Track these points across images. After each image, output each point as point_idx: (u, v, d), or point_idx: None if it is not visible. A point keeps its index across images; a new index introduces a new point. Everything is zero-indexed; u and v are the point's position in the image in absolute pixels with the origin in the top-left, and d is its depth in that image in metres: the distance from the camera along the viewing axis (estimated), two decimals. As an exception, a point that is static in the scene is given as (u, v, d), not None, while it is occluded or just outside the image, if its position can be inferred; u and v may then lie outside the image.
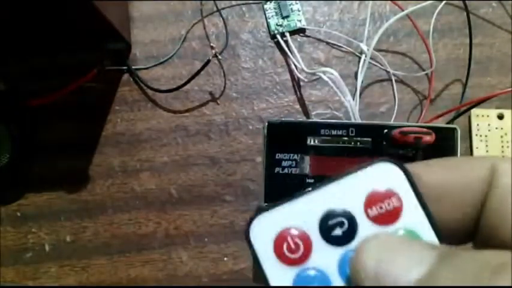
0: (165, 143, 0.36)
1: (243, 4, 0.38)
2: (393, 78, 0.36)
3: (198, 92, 0.36)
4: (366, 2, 0.37)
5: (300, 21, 0.37)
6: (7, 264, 0.34)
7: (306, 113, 0.36)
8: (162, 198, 0.35)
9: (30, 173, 0.35)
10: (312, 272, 0.13)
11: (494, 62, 0.36)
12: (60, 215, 0.35)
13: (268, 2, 0.37)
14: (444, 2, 0.36)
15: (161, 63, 0.37)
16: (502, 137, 0.34)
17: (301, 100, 0.36)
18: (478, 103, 0.32)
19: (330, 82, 0.32)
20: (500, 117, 0.35)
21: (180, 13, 0.38)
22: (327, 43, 0.37)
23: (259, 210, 0.13)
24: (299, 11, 0.37)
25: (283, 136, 0.27)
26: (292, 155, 0.27)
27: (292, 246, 0.13)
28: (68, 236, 0.34)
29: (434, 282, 0.10)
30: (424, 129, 0.27)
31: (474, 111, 0.35)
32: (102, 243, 0.34)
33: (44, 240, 0.34)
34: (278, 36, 0.36)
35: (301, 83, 0.36)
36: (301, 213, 0.13)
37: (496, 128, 0.35)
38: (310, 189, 0.13)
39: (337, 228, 0.13)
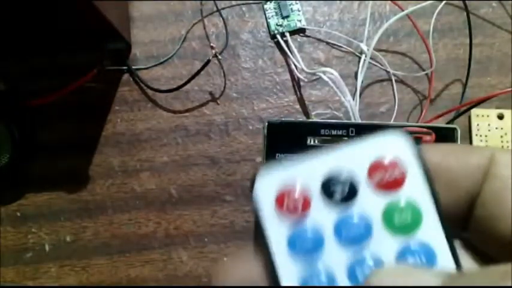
0: (165, 143, 0.36)
1: (243, 4, 0.38)
2: (393, 78, 0.36)
3: (198, 92, 0.36)
4: (366, 2, 0.37)
5: (300, 21, 0.37)
6: (7, 264, 0.34)
7: (306, 113, 0.36)
8: (162, 198, 0.35)
9: (30, 173, 0.35)
10: (308, 229, 0.13)
11: (494, 62, 0.36)
12: (60, 215, 0.35)
13: (268, 2, 0.37)
14: (444, 2, 0.36)
15: (161, 63, 0.37)
16: (502, 137, 0.34)
17: (301, 100, 0.36)
18: (478, 103, 0.32)
19: (330, 82, 0.32)
20: (500, 117, 0.35)
21: (180, 13, 0.38)
22: (327, 43, 0.37)
23: (266, 166, 0.13)
24: (299, 11, 0.37)
25: (283, 136, 0.27)
26: (292, 155, 0.27)
27: (293, 202, 0.13)
28: (68, 236, 0.34)
29: None
30: (424, 129, 0.27)
31: (474, 111, 0.34)
32: (102, 243, 0.34)
33: (44, 240, 0.34)
34: (278, 36, 0.36)
35: (301, 83, 0.36)
36: (306, 171, 0.13)
37: (496, 128, 0.35)
38: (317, 150, 0.13)
39: (338, 190, 0.13)
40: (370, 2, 0.36)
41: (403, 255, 0.13)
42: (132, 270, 0.34)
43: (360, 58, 0.36)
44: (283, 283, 0.13)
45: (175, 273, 0.34)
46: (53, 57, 0.37)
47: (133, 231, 0.34)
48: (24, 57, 0.37)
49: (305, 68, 0.34)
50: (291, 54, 0.36)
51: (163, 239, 0.34)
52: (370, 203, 0.13)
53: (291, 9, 0.37)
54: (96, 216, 0.35)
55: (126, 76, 0.37)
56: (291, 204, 0.13)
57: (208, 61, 0.35)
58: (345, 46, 0.37)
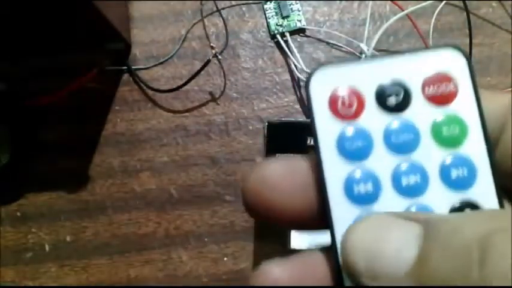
0: (165, 143, 0.36)
1: (243, 4, 0.38)
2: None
3: (198, 92, 0.36)
4: (366, 2, 0.37)
5: (300, 21, 0.37)
6: (7, 264, 0.34)
7: (306, 113, 0.36)
8: (162, 198, 0.35)
9: (30, 173, 0.35)
10: (358, 132, 0.13)
11: (494, 62, 0.36)
12: (60, 215, 0.35)
13: (268, 2, 0.37)
14: (444, 2, 0.36)
15: (161, 63, 0.37)
16: (502, 137, 0.34)
17: (301, 100, 0.36)
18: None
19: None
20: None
21: (180, 13, 0.38)
22: (327, 43, 0.37)
23: (322, 64, 0.14)
24: (299, 11, 0.37)
25: (283, 136, 0.27)
26: (292, 155, 0.27)
27: (347, 102, 0.13)
28: (68, 236, 0.34)
29: (428, 265, 0.10)
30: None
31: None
32: (102, 243, 0.34)
33: (44, 240, 0.34)
34: (278, 36, 0.36)
35: (301, 83, 0.36)
36: (363, 75, 0.13)
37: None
38: (376, 55, 0.14)
39: (392, 97, 0.13)
40: (370, 2, 0.36)
41: (446, 166, 0.13)
42: (132, 270, 0.34)
43: (360, 58, 0.36)
44: (329, 183, 0.13)
45: (175, 273, 0.34)
46: (52, 57, 0.37)
47: (133, 231, 0.34)
48: (24, 57, 0.37)
49: (305, 68, 0.34)
50: (291, 54, 0.36)
51: (163, 239, 0.34)
52: (421, 114, 0.13)
53: (291, 9, 0.37)
54: (96, 216, 0.35)
55: (126, 76, 0.37)
56: (344, 107, 0.13)
57: (208, 61, 0.35)
58: (345, 46, 0.37)
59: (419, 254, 0.11)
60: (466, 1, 0.35)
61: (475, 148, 0.13)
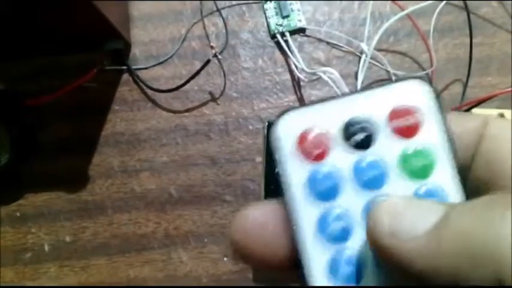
0: (165, 143, 0.35)
1: (243, 4, 0.38)
2: (393, 78, 0.36)
3: (197, 92, 0.36)
4: (366, 1, 0.37)
5: (300, 20, 0.37)
6: (6, 264, 0.34)
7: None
8: (162, 198, 0.35)
9: (30, 173, 0.35)
10: (327, 172, 0.13)
11: (495, 61, 0.36)
12: (59, 215, 0.34)
13: (268, 2, 0.37)
14: (444, 1, 0.36)
15: (161, 63, 0.37)
16: (502, 137, 0.34)
17: (301, 100, 0.36)
18: (478, 103, 0.32)
19: (330, 82, 0.32)
20: (501, 117, 0.35)
21: (180, 13, 0.38)
22: (327, 43, 0.37)
23: (289, 109, 0.14)
24: (299, 10, 0.37)
25: (284, 136, 0.27)
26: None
27: (315, 143, 0.13)
28: (67, 236, 0.34)
29: (449, 222, 0.11)
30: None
31: (475, 112, 0.34)
32: (102, 243, 0.34)
33: (44, 240, 0.34)
34: (278, 36, 0.36)
35: (302, 83, 0.36)
36: (328, 114, 0.13)
37: (497, 128, 0.34)
38: (340, 94, 0.14)
39: (358, 133, 0.13)
40: (371, 1, 0.36)
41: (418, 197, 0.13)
42: (132, 270, 0.34)
43: (360, 58, 0.36)
44: (302, 224, 0.13)
45: (175, 274, 0.34)
46: (52, 57, 0.36)
47: (133, 232, 0.34)
48: (24, 57, 0.36)
49: (305, 68, 0.34)
50: (291, 54, 0.36)
51: (163, 239, 0.34)
52: (387, 148, 0.13)
53: (291, 8, 0.37)
54: (95, 216, 0.34)
55: (125, 76, 0.37)
56: (311, 148, 0.13)
57: (208, 61, 0.35)
58: (345, 46, 0.37)
59: (442, 215, 0.11)
60: (467, 1, 0.35)
61: (445, 177, 0.13)
